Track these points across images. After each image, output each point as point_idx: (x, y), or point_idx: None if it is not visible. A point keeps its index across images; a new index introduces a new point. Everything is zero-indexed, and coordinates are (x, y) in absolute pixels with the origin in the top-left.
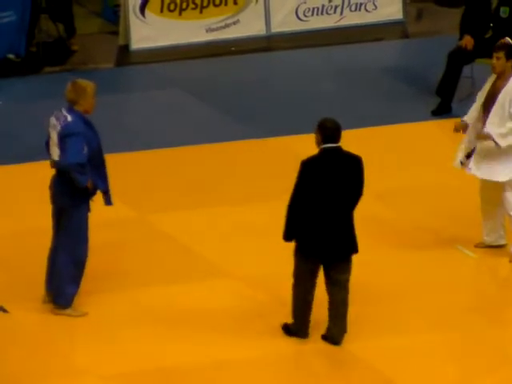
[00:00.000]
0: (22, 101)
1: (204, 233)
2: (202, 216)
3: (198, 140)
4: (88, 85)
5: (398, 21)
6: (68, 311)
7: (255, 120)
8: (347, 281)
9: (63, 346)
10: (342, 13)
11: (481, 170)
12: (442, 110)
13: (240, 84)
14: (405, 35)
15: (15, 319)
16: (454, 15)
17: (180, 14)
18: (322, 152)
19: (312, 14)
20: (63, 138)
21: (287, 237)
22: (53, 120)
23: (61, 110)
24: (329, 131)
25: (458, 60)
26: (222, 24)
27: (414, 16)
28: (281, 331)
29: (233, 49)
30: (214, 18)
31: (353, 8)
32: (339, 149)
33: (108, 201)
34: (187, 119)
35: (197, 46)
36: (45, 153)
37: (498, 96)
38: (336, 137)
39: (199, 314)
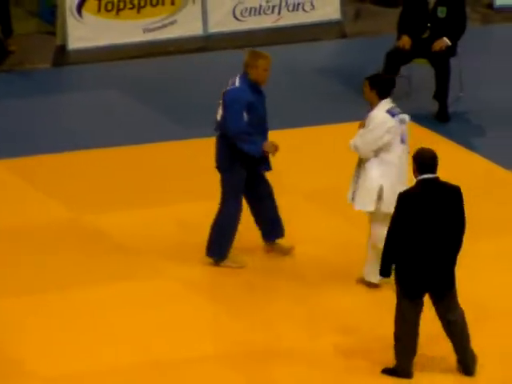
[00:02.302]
0: None
1: (140, 233)
2: (137, 216)
3: (135, 140)
4: (262, 56)
5: (336, 21)
6: (228, 263)
7: (193, 120)
8: (459, 315)
9: (7, 347)
10: (279, 13)
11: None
12: None
13: (178, 84)
14: (342, 35)
15: None
16: (392, 15)
17: (117, 13)
18: (420, 183)
19: (249, 14)
20: (225, 102)
21: (384, 272)
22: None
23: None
24: (426, 161)
25: (395, 60)
26: (160, 24)
27: (352, 16)
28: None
29: (171, 49)
30: (151, 18)
31: (290, 8)
32: (437, 179)
33: (267, 166)
34: (124, 120)
35: (134, 46)
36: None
37: None
38: (433, 167)
39: (138, 314)
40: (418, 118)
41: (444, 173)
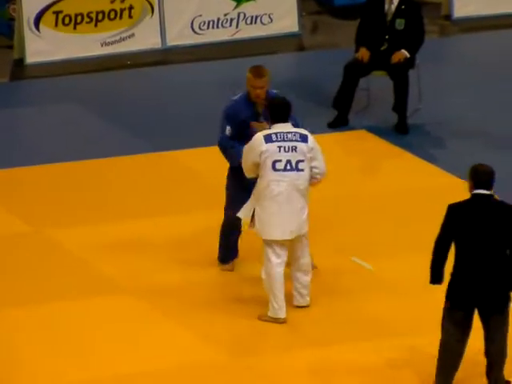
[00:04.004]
0: None
1: (101, 248)
2: (99, 231)
3: (94, 154)
4: (254, 71)
5: (294, 33)
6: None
7: (151, 134)
8: (505, 333)
9: None
10: (237, 26)
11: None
12: (339, 123)
13: (136, 98)
14: (301, 48)
15: None
16: (350, 27)
17: (75, 27)
18: (472, 198)
19: (207, 27)
20: None
21: (432, 279)
22: None
23: None
24: (481, 177)
25: (354, 72)
26: (117, 38)
27: (310, 29)
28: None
29: (128, 62)
30: (108, 31)
31: (248, 21)
32: (491, 196)
33: None
34: (83, 133)
35: (92, 60)
36: None
37: None
38: (488, 183)
39: (96, 329)
40: (378, 130)
41: (403, 185)
